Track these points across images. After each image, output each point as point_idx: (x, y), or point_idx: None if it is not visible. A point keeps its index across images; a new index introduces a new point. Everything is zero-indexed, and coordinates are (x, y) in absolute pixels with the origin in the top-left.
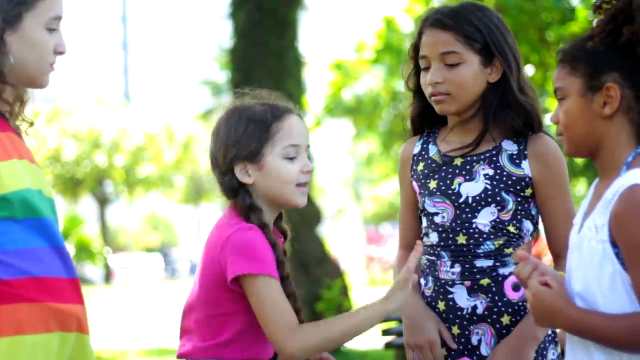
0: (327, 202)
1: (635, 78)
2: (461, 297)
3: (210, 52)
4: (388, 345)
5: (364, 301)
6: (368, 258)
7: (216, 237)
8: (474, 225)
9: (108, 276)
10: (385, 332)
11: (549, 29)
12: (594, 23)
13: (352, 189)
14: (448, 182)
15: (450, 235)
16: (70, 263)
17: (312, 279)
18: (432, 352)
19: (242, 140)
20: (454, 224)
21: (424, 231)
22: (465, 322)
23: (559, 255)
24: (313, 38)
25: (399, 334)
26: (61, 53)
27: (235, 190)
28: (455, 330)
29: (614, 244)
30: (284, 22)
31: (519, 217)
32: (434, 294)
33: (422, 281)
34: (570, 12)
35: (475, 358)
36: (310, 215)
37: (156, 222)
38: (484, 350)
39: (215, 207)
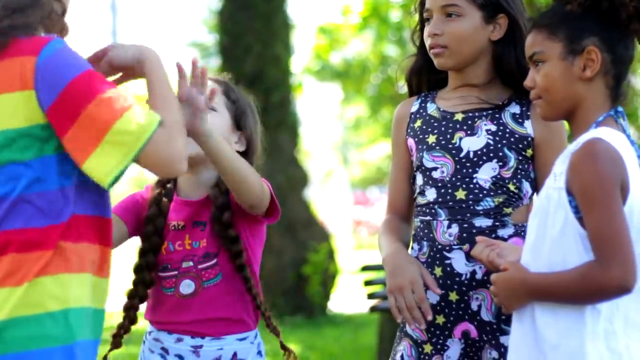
0: (314, 166)
1: (611, 42)
2: (459, 263)
3: (198, 15)
4: (373, 309)
5: (351, 265)
6: (355, 222)
7: None
8: (474, 181)
9: None
10: (370, 296)
11: None
12: None
13: (340, 153)
14: (448, 136)
15: (450, 191)
16: None
17: (299, 242)
18: (414, 292)
19: None
20: (453, 179)
21: (418, 190)
22: (464, 288)
23: None
24: (302, 1)
25: (384, 297)
26: None
27: None
28: (454, 296)
29: (569, 192)
30: None
31: (519, 176)
32: (429, 260)
33: (416, 246)
34: None
35: (476, 323)
36: (297, 178)
37: (144, 183)
38: (484, 315)
39: None
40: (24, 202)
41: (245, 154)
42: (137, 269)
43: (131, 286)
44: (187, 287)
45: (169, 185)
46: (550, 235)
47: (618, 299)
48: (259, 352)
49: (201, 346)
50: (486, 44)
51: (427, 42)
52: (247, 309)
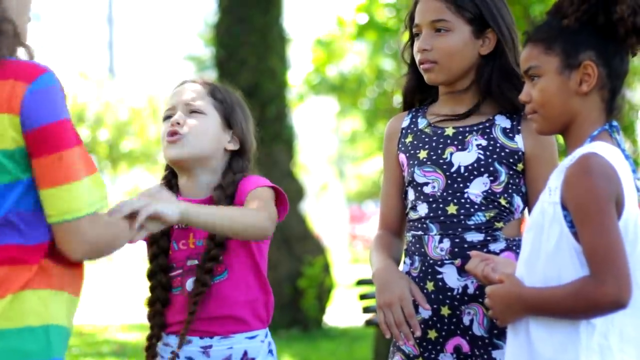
0: (310, 179)
1: (607, 56)
2: (451, 277)
3: (194, 28)
4: (368, 323)
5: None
6: (351, 236)
7: None
8: (465, 195)
9: None
10: (366, 310)
11: (533, 5)
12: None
13: (336, 167)
14: (439, 151)
15: (441, 206)
16: None
17: (294, 255)
18: (403, 309)
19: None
20: (444, 194)
21: (410, 205)
22: (456, 303)
23: None
24: (298, 15)
25: None
26: None
27: None
28: (446, 310)
29: (564, 206)
30: None
31: (510, 191)
32: (421, 274)
33: (408, 260)
34: None
35: (468, 338)
36: (293, 191)
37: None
38: (476, 330)
39: None
40: (9, 221)
41: (240, 153)
42: (151, 274)
43: (149, 293)
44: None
45: (168, 187)
46: (545, 250)
47: (613, 314)
48: (270, 351)
49: (210, 346)
50: (476, 58)
51: (417, 57)
52: (255, 307)
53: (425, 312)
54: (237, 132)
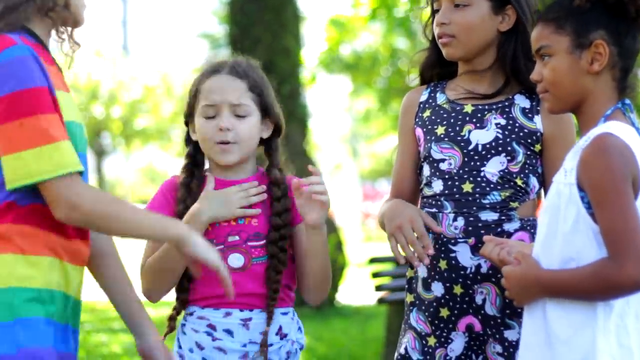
0: (323, 158)
1: (618, 35)
2: (464, 256)
3: (209, 5)
4: (381, 301)
5: (359, 257)
6: (364, 214)
7: None
8: (482, 174)
9: None
10: (378, 288)
11: None
12: None
13: (349, 145)
14: (457, 128)
15: (457, 183)
16: None
17: None
18: (414, 230)
19: (187, 101)
20: (461, 171)
21: (425, 181)
22: (468, 282)
23: None
24: None
25: (392, 289)
26: None
27: (186, 145)
28: (459, 289)
29: (580, 187)
30: None
31: (526, 171)
32: (435, 252)
33: None
34: None
35: (480, 317)
36: (305, 170)
37: (153, 174)
38: (488, 309)
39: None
40: None
41: (272, 137)
42: None
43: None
44: (236, 260)
45: (194, 165)
46: (562, 231)
47: (629, 295)
48: (299, 329)
49: (250, 319)
50: (495, 34)
51: (436, 31)
52: (287, 290)
53: (438, 291)
54: (272, 119)
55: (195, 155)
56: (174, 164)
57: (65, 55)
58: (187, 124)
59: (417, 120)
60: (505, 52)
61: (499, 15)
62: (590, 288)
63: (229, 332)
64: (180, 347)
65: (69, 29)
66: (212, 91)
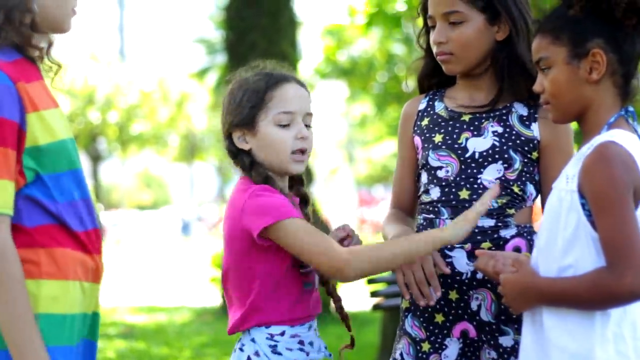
0: (319, 164)
1: (616, 42)
2: (460, 262)
3: (205, 11)
4: (376, 307)
5: None
6: (360, 220)
7: (233, 208)
8: (478, 181)
9: None
10: (373, 294)
11: None
12: None
13: (346, 151)
14: (455, 136)
15: (453, 190)
16: (94, 213)
17: None
18: (423, 269)
19: (238, 109)
20: (457, 179)
21: (423, 188)
22: (464, 287)
23: None
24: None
25: (387, 295)
26: None
27: (235, 155)
28: (454, 295)
29: (582, 195)
30: None
31: (523, 179)
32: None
33: None
34: None
35: (475, 323)
36: (302, 175)
37: (149, 180)
38: (484, 315)
39: (208, 166)
40: None
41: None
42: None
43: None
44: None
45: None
46: (562, 237)
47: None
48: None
49: (315, 328)
50: (493, 44)
51: (434, 49)
52: None
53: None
54: None
55: (254, 159)
56: (169, 169)
57: (49, 70)
58: (230, 135)
59: (415, 128)
60: (497, 60)
61: (494, 25)
62: (588, 297)
63: (311, 343)
64: None
65: (45, 46)
66: (289, 99)
